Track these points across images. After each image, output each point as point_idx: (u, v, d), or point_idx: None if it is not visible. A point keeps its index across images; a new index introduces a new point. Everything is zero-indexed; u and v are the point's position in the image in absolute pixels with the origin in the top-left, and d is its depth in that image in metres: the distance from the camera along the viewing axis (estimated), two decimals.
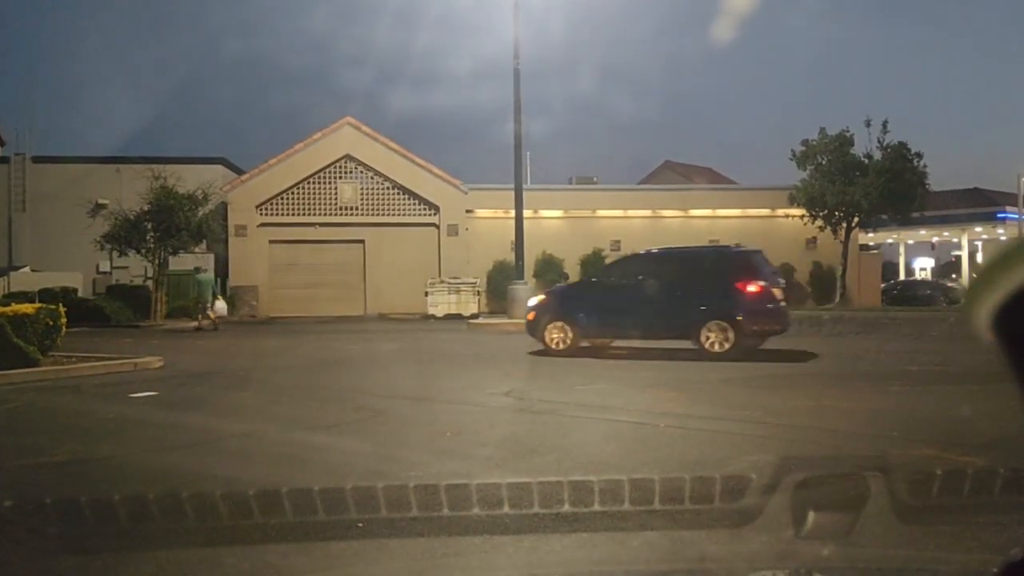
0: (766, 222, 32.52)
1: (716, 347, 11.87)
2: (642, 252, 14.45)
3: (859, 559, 2.06)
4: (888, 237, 47.43)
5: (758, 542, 2.61)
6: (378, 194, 31.46)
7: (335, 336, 19.10)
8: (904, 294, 36.06)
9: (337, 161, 31.34)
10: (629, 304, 12.74)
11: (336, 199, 31.29)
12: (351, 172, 31.49)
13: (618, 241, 32.17)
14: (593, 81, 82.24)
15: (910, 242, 51.18)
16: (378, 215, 31.27)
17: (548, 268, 29.52)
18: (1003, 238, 42.26)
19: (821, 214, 27.09)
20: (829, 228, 27.54)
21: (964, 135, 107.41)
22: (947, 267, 53.02)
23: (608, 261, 31.44)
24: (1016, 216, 44.56)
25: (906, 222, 28.83)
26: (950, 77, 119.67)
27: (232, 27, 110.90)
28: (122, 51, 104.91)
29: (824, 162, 26.69)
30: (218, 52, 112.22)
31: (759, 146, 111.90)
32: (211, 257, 30.34)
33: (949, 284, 43.03)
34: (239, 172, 32.68)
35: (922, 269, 53.27)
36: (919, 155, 26.26)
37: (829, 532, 2.33)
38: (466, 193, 31.32)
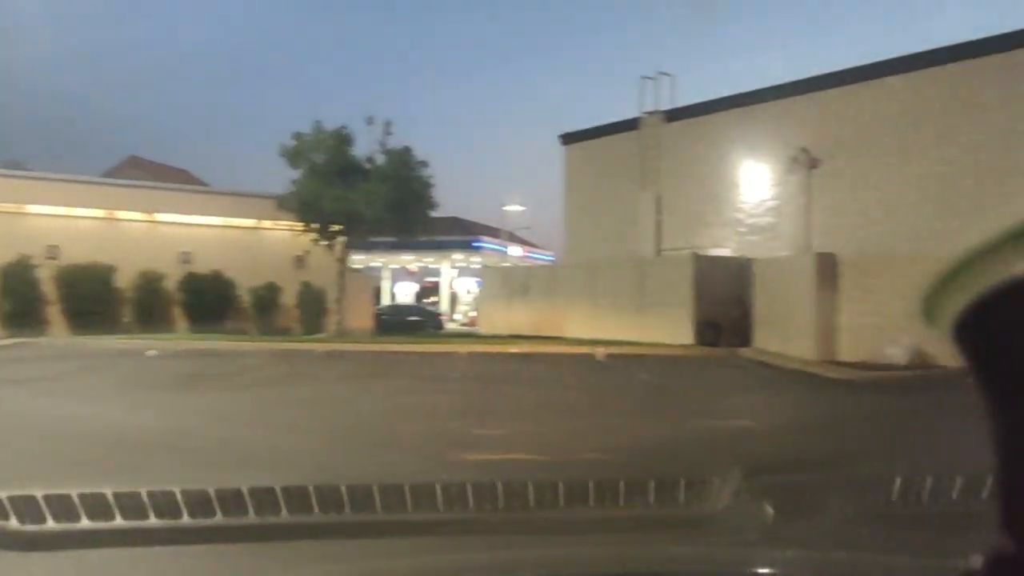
0: (252, 234, 28.07)
1: None
2: None
3: (815, 562, 2.12)
4: (374, 260, 46.64)
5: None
6: None
7: None
8: (394, 319, 34.46)
9: None
10: None
11: None
12: None
13: (56, 247, 24.67)
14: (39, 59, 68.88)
15: (394, 266, 51.38)
16: None
17: None
18: (479, 265, 43.72)
19: (315, 226, 23.12)
20: (324, 242, 23.59)
21: (439, 166, 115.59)
22: (426, 292, 54.43)
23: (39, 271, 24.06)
24: (491, 246, 47.07)
25: (409, 237, 26.38)
26: (427, 111, 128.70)
27: None
28: None
29: (320, 162, 22.79)
30: None
31: (246, 154, 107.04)
32: None
33: (432, 308, 43.37)
34: None
35: (406, 294, 53.84)
36: (424, 163, 23.94)
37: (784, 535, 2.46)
38: None
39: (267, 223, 27.50)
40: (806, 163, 22.55)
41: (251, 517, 2.95)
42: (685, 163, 26.04)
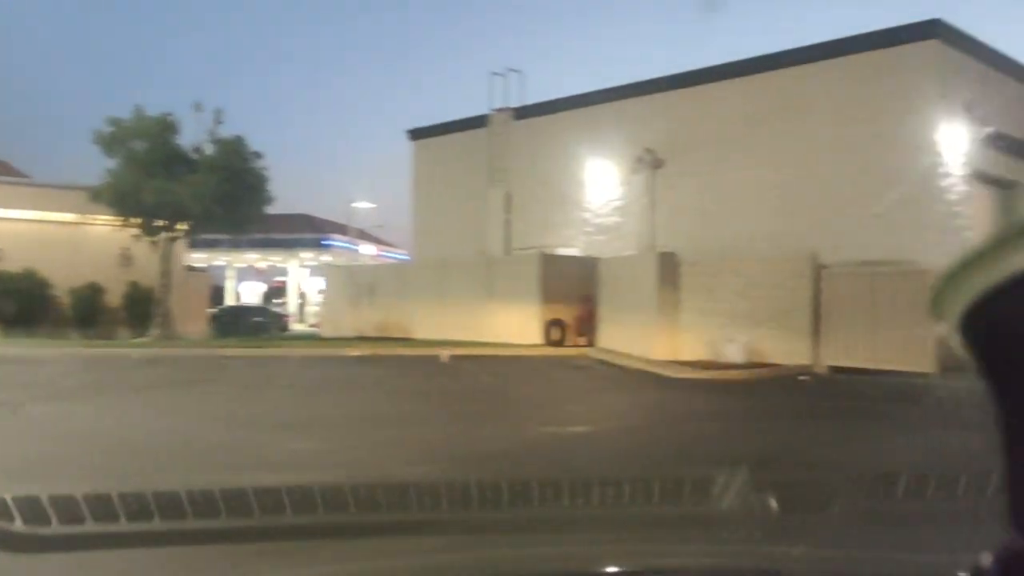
0: (72, 229, 25.74)
1: None
2: None
3: (820, 559, 2.13)
4: (218, 258, 44.50)
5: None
6: None
7: None
8: (236, 320, 32.71)
9: None
10: None
11: None
12: None
13: None
14: None
15: (240, 265, 49.18)
16: None
17: None
18: (331, 263, 42.40)
19: (136, 222, 21.25)
20: (147, 237, 21.73)
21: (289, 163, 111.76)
22: (276, 292, 52.48)
23: None
24: (342, 244, 45.72)
25: (242, 232, 24.82)
26: (275, 108, 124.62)
27: None
28: None
29: (141, 150, 20.89)
30: None
31: (75, 145, 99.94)
32: None
33: (278, 308, 41.64)
34: None
35: (252, 294, 51.63)
36: (258, 154, 22.46)
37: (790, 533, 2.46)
38: None
39: (89, 217, 25.32)
40: (651, 163, 22.80)
41: (255, 517, 2.94)
42: (534, 161, 25.86)
